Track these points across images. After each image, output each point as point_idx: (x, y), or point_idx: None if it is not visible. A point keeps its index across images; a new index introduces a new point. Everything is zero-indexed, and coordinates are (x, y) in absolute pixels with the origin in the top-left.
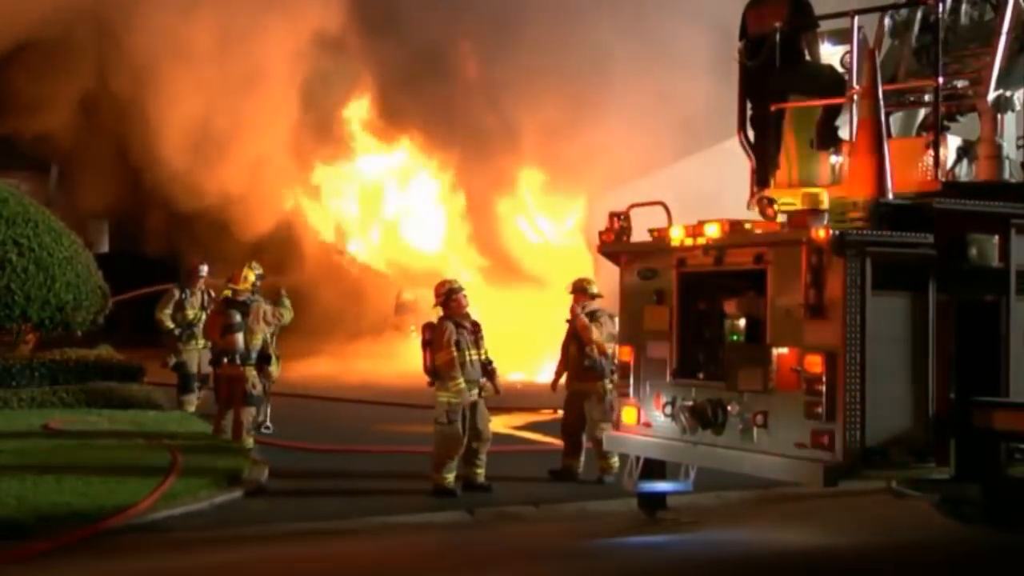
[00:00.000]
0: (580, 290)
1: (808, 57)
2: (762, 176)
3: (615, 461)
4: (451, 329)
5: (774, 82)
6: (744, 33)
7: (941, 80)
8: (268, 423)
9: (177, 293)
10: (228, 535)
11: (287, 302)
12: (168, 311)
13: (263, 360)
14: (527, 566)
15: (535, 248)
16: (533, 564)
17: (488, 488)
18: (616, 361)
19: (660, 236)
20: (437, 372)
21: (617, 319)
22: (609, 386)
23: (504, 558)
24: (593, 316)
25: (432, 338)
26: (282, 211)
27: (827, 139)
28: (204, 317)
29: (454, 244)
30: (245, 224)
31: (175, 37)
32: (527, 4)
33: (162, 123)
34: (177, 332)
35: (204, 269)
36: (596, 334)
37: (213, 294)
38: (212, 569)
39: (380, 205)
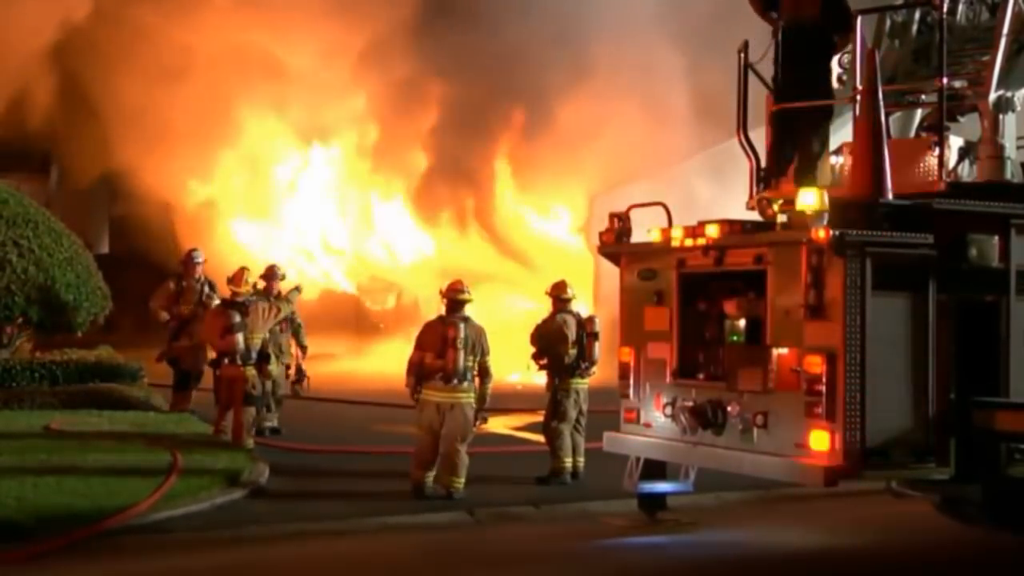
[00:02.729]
0: (553, 295)
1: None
2: (761, 176)
3: (567, 463)
4: None
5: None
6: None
7: (945, 80)
8: (275, 423)
9: (173, 284)
10: (228, 536)
11: (293, 297)
12: (162, 302)
13: (262, 359)
14: (527, 566)
15: (535, 249)
16: (533, 564)
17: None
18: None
19: (661, 237)
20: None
21: (572, 322)
22: (567, 385)
23: (504, 558)
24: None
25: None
26: None
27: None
28: (201, 312)
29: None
30: None
31: None
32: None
33: None
34: (173, 325)
35: (198, 255)
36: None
37: (213, 288)
38: (212, 570)
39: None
